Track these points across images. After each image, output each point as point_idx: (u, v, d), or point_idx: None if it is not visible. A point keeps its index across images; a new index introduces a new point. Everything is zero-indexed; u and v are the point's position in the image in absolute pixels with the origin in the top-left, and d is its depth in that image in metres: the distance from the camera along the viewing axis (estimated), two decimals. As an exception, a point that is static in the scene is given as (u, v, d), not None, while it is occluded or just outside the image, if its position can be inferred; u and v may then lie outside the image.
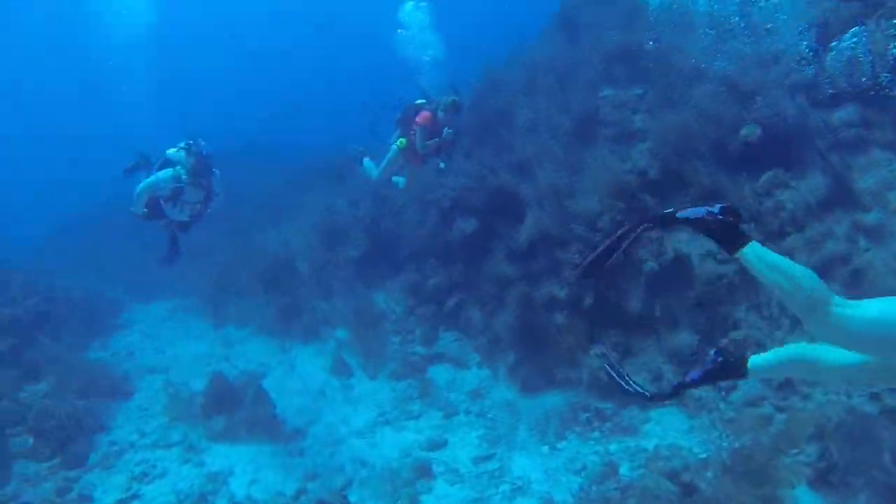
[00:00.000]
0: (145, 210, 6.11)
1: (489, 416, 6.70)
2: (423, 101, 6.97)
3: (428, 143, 6.75)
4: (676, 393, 2.79)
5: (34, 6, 31.67)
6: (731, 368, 2.61)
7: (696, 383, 2.70)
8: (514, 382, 7.19)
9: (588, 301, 6.89)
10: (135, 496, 5.86)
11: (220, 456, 6.57)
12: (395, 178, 7.76)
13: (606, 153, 7.64)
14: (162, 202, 6.07)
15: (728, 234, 2.28)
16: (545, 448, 5.99)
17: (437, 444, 6.24)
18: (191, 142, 5.93)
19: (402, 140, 6.91)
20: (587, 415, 6.30)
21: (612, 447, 5.84)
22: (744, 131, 6.47)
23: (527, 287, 7.40)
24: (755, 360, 2.55)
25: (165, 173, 5.90)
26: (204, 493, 5.89)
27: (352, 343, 8.96)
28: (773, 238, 5.99)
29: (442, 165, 7.20)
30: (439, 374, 7.81)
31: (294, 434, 6.86)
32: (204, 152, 5.88)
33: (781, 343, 5.59)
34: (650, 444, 5.78)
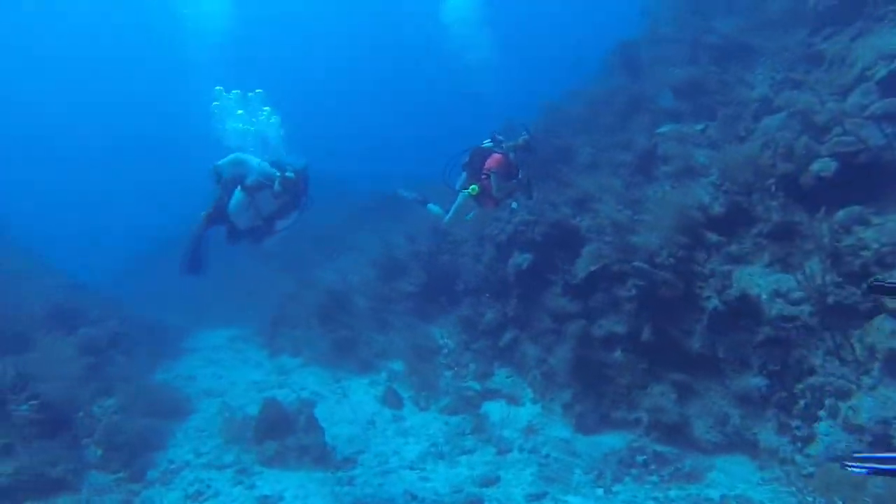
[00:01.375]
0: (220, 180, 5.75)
1: (543, 453, 6.46)
2: (490, 142, 6.74)
3: (504, 185, 6.49)
4: None
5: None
6: None
7: None
8: (570, 420, 6.94)
9: (647, 336, 6.63)
10: (189, 514, 5.97)
11: (270, 480, 6.61)
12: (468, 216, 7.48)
13: (668, 189, 7.50)
14: (239, 189, 5.75)
15: None
16: (600, 491, 5.69)
17: (490, 481, 6.05)
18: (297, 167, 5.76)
19: (474, 187, 6.60)
20: (644, 457, 5.97)
21: (672, 493, 5.50)
22: (816, 166, 6.16)
23: (584, 322, 7.23)
24: None
25: (268, 167, 5.73)
26: (254, 515, 5.93)
27: (405, 376, 8.97)
28: (855, 279, 5.58)
29: (514, 206, 7.07)
30: (493, 409, 7.65)
31: (344, 462, 6.83)
32: (305, 174, 5.73)
33: (871, 390, 5.12)
34: (715, 494, 5.40)
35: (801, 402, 5.59)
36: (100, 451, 6.89)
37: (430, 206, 7.80)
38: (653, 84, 10.36)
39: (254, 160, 5.71)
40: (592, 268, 7.51)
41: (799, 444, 5.49)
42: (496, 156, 6.50)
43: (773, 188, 6.42)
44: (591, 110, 12.18)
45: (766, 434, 5.73)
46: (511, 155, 6.47)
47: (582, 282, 7.62)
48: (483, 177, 6.61)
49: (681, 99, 9.38)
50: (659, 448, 6.09)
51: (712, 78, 9.14)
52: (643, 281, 6.75)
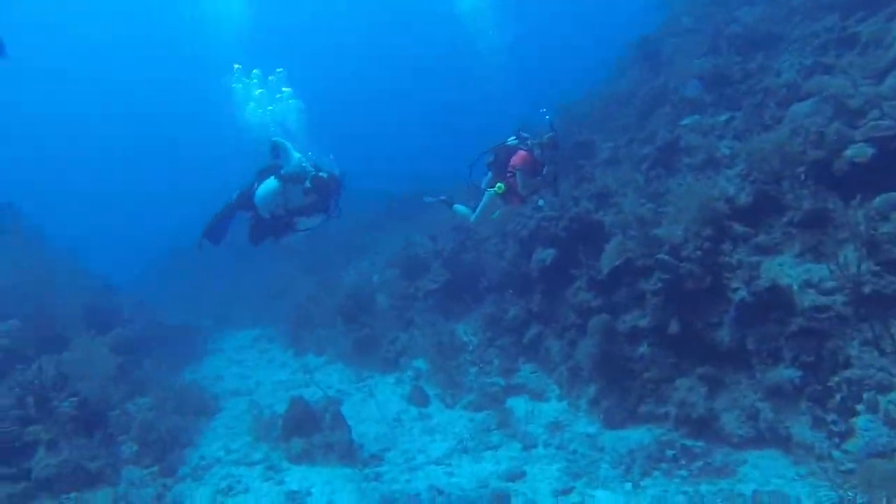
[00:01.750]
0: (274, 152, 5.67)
1: (570, 448, 6.41)
2: (515, 140, 6.68)
3: (530, 182, 6.46)
4: None
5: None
6: None
7: None
8: (596, 415, 6.87)
9: (674, 330, 6.53)
10: (220, 509, 6.07)
11: (298, 476, 6.69)
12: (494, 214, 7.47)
13: (691, 181, 7.38)
14: (274, 177, 5.70)
15: None
16: (629, 485, 5.62)
17: (516, 476, 6.02)
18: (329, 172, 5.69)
19: (500, 185, 6.58)
20: (673, 452, 5.88)
21: (703, 488, 5.39)
22: (850, 151, 5.99)
23: (609, 317, 7.15)
24: None
25: (307, 163, 5.68)
26: (284, 510, 6.00)
27: (430, 373, 8.98)
28: (894, 268, 5.43)
29: (541, 202, 7.05)
30: (518, 405, 7.62)
31: (370, 459, 6.88)
32: (340, 181, 5.69)
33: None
34: (747, 489, 5.28)
35: (837, 396, 5.43)
36: (135, 447, 7.07)
37: (457, 206, 7.79)
38: (674, 77, 10.23)
39: (296, 153, 5.70)
40: (616, 262, 7.43)
41: (836, 440, 5.33)
42: (521, 153, 6.47)
43: (804, 176, 6.27)
44: (611, 105, 12.09)
45: (800, 428, 5.58)
46: (536, 152, 6.44)
47: (606, 276, 7.55)
48: (508, 174, 6.58)
49: (703, 90, 9.24)
50: (688, 442, 5.99)
51: (736, 68, 8.99)
52: (668, 274, 6.65)
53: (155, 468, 6.82)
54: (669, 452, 5.89)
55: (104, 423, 7.14)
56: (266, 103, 6.55)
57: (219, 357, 12.75)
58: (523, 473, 6.06)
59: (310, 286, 14.30)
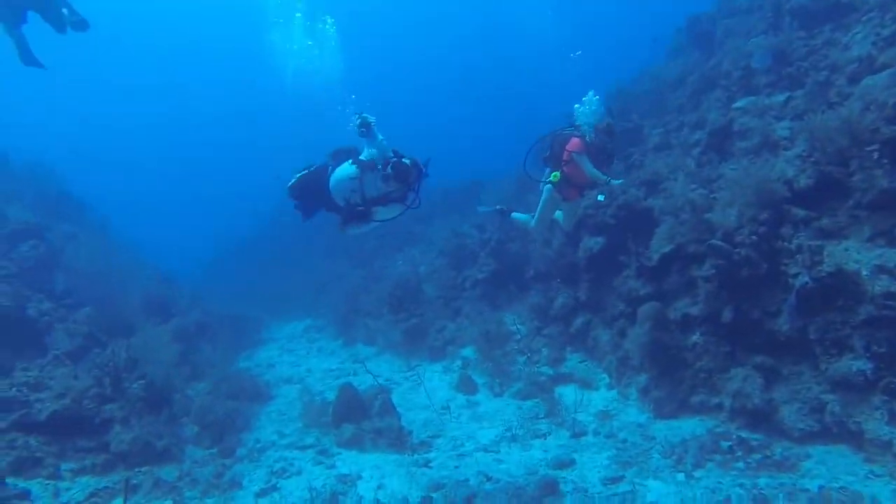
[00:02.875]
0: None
1: (619, 437, 6.30)
2: (570, 128, 6.36)
3: (588, 165, 6.08)
4: None
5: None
6: None
7: None
8: (646, 405, 6.73)
9: (727, 318, 6.30)
10: (274, 488, 6.27)
11: (348, 461, 6.84)
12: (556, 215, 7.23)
13: (746, 164, 7.08)
14: (350, 162, 5.17)
15: None
16: (681, 476, 5.48)
17: (565, 464, 5.97)
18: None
19: (555, 174, 6.35)
20: (729, 444, 5.69)
21: (762, 482, 5.19)
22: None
23: (659, 304, 6.98)
24: None
25: (388, 148, 5.12)
26: (335, 492, 6.14)
27: (478, 362, 9.01)
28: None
29: (601, 198, 6.77)
30: (567, 394, 7.55)
31: (419, 445, 6.96)
32: (422, 169, 5.12)
33: None
34: (812, 485, 5.05)
35: (916, 390, 5.12)
36: (196, 429, 7.42)
37: (515, 214, 7.55)
38: (728, 58, 9.82)
39: (380, 135, 5.13)
40: (667, 248, 7.23)
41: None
42: (575, 139, 6.27)
43: (877, 155, 5.90)
44: (661, 89, 11.74)
45: (874, 423, 5.25)
46: (589, 137, 6.22)
47: (656, 263, 7.36)
48: (563, 165, 6.40)
49: (761, 70, 8.83)
50: (744, 434, 5.79)
51: (798, 44, 8.54)
52: (721, 260, 6.42)
53: (214, 449, 7.14)
54: (724, 444, 5.71)
55: (168, 404, 7.53)
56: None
57: (271, 346, 13.18)
58: (572, 461, 6.01)
59: (358, 279, 14.58)
